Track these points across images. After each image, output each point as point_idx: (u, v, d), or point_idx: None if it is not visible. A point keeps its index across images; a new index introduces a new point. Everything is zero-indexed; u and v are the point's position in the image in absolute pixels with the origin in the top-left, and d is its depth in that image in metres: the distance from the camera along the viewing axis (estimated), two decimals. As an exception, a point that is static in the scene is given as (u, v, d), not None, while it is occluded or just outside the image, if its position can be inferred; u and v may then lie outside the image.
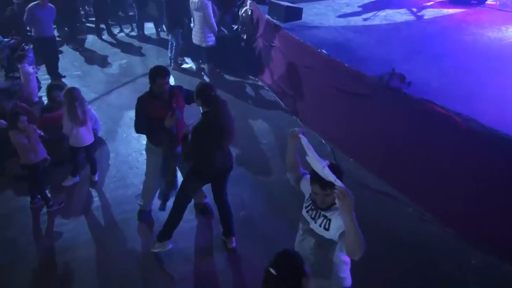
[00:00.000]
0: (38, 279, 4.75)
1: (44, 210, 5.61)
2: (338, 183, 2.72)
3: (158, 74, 4.64)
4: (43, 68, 9.04)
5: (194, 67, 9.96)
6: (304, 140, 3.14)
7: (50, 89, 6.88)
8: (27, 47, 8.78)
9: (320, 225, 3.03)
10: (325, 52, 6.71)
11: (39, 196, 5.56)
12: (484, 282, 4.62)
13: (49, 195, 5.65)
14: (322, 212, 3.03)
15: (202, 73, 9.55)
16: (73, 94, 5.55)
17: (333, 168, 2.83)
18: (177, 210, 4.75)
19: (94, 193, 6.02)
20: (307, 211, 3.20)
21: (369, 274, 4.42)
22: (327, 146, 6.84)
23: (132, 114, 5.06)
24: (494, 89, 5.85)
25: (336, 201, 2.74)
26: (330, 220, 2.97)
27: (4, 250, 5.06)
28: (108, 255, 5.02)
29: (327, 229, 2.97)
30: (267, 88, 8.77)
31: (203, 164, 4.59)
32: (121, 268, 4.83)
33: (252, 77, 9.28)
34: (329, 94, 6.82)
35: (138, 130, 4.87)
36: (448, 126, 5.08)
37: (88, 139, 5.86)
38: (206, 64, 9.57)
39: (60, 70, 9.41)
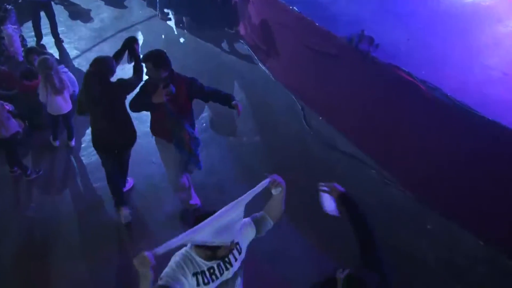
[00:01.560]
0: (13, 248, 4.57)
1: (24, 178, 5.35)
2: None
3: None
4: (29, 25, 8.29)
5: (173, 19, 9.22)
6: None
7: (28, 52, 6.40)
8: (9, 7, 8.02)
9: (234, 262, 2.53)
10: (296, 9, 6.10)
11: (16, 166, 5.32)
12: (437, 245, 4.44)
13: (27, 163, 5.37)
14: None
15: (181, 25, 8.83)
16: (47, 64, 5.14)
17: None
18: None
19: (72, 159, 5.70)
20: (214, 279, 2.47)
21: (325, 235, 4.35)
22: (297, 103, 6.43)
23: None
24: (460, 52, 5.27)
25: (274, 191, 2.66)
26: (238, 244, 2.55)
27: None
28: (87, 223, 4.80)
29: (240, 253, 2.55)
30: (242, 42, 8.12)
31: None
32: (102, 236, 4.63)
33: (229, 30, 8.50)
34: (300, 52, 6.31)
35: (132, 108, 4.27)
36: (413, 93, 4.68)
37: (65, 107, 5.49)
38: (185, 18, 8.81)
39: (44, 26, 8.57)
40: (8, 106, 4.94)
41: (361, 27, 5.32)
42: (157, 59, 4.01)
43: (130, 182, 5.13)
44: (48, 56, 5.44)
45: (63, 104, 5.49)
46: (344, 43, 5.39)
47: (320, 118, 6.08)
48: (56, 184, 5.35)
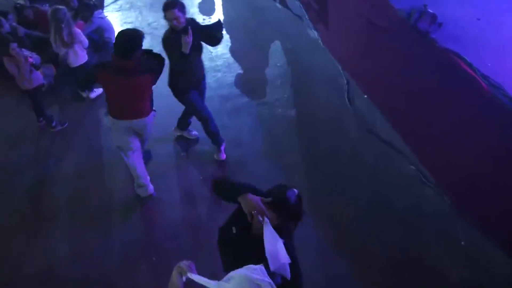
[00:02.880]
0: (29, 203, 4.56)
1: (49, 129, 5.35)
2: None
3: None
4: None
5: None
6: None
7: None
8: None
9: None
10: (355, -31, 5.38)
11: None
12: (468, 265, 3.81)
13: (54, 113, 5.36)
14: None
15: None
16: (57, 15, 4.96)
17: None
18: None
19: (98, 113, 5.60)
20: None
21: (351, 234, 3.99)
22: (343, 76, 5.82)
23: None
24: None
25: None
26: None
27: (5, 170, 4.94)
28: (104, 184, 4.68)
29: None
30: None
31: None
32: (120, 198, 4.51)
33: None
34: (353, 19, 5.58)
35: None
36: (471, 87, 3.95)
37: (74, 60, 5.35)
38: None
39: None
40: (33, 59, 4.81)
41: (424, 0, 4.64)
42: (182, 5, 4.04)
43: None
44: (60, 7, 5.19)
45: (72, 57, 5.37)
46: (401, 17, 4.68)
47: (365, 96, 5.47)
48: (78, 138, 5.25)
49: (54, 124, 5.22)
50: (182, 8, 4.02)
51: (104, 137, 5.24)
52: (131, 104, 3.95)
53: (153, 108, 4.13)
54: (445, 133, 4.40)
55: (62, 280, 3.79)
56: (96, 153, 5.05)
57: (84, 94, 5.75)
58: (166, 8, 4.00)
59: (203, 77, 4.59)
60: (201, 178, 4.71)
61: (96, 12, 6.08)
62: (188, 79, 4.37)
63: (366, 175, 4.56)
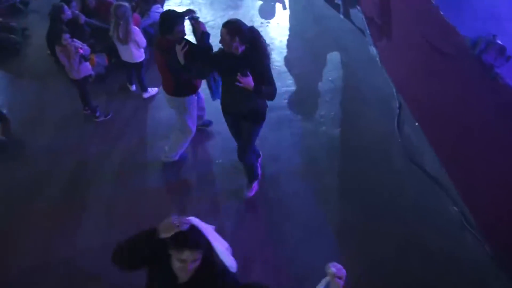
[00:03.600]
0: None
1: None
2: None
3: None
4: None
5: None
6: None
7: None
8: None
9: None
10: (424, -12, 5.04)
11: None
12: None
13: (100, 103, 5.49)
14: None
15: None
16: (117, 12, 5.00)
17: None
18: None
19: (142, 108, 5.67)
20: None
21: (376, 270, 3.71)
22: (396, 100, 5.46)
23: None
24: None
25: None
26: None
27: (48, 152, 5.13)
28: (142, 172, 4.76)
29: None
30: (359, 8, 7.01)
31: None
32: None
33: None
34: (415, 40, 5.18)
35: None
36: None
37: (127, 57, 5.42)
38: None
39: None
40: (83, 50, 4.92)
41: (495, 27, 4.17)
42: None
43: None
44: (122, 4, 5.19)
45: (124, 53, 5.45)
46: (465, 46, 4.34)
47: (416, 124, 5.10)
48: (119, 131, 5.32)
49: (98, 114, 5.35)
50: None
51: (145, 132, 5.32)
52: (163, 79, 4.42)
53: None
54: (497, 177, 4.01)
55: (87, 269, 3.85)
56: (133, 147, 5.09)
57: (131, 88, 5.87)
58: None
59: None
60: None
61: (154, 7, 6.17)
62: None
63: (404, 208, 4.26)
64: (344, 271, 2.24)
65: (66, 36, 4.76)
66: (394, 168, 4.72)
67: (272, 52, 6.66)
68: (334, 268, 2.22)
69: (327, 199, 4.39)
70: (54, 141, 5.28)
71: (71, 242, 4.07)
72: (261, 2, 8.33)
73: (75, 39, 4.95)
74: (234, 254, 2.55)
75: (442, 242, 3.97)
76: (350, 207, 4.31)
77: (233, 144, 4.34)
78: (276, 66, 6.33)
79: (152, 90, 5.84)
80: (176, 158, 4.80)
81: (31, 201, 4.48)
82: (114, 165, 4.88)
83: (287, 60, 6.51)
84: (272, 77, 3.81)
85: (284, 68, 6.28)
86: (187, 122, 4.54)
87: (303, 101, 5.70)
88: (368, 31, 6.58)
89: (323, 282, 2.29)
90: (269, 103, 5.59)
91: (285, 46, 6.85)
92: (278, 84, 5.73)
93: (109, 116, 5.40)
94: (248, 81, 3.51)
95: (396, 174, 4.64)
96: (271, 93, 3.83)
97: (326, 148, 4.98)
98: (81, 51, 4.84)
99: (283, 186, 4.58)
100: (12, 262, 3.90)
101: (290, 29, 7.30)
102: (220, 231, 4.07)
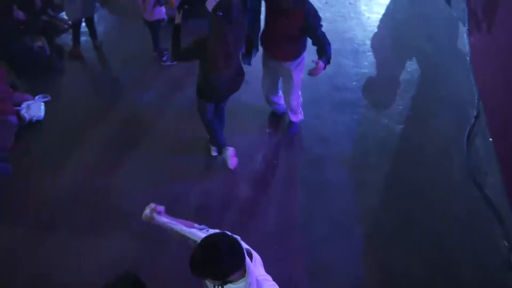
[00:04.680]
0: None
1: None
2: None
3: None
4: None
5: None
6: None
7: None
8: None
9: None
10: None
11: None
12: None
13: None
14: None
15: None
16: None
17: None
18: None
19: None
20: None
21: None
22: (475, 108, 4.90)
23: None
24: None
25: None
26: None
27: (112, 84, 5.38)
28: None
29: None
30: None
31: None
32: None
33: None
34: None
35: None
36: None
37: (149, 17, 5.20)
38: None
39: None
40: None
41: None
42: None
43: None
44: None
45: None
46: None
47: (490, 139, 4.56)
48: (181, 79, 5.32)
49: (164, 58, 5.42)
50: None
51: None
52: (282, 48, 4.12)
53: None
54: None
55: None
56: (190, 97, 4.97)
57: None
58: None
59: None
60: (275, 162, 4.56)
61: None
62: None
63: (445, 228, 3.90)
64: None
65: None
66: (449, 181, 4.30)
67: (356, 28, 6.28)
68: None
69: (366, 197, 4.15)
70: (120, 75, 5.54)
71: (112, 176, 4.30)
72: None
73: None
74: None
75: (479, 278, 3.58)
76: (387, 211, 4.05)
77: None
78: (356, 44, 5.95)
79: None
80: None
81: (89, 126, 4.79)
82: (168, 112, 4.96)
83: (369, 40, 6.06)
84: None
85: (363, 48, 5.86)
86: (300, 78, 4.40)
87: (373, 87, 5.32)
88: (466, 25, 5.94)
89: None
90: (337, 82, 5.43)
91: (371, 24, 6.36)
92: (352, 63, 5.54)
93: (174, 63, 5.34)
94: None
95: (449, 188, 4.23)
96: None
97: (381, 143, 4.65)
98: None
99: (325, 172, 4.39)
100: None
101: (381, 7, 6.77)
102: (249, 200, 4.21)
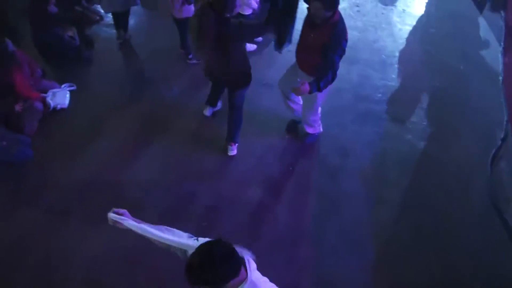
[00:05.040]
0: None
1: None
2: None
3: None
4: None
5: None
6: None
7: None
8: None
9: None
10: None
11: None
12: None
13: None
14: None
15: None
16: None
17: None
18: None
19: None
20: None
21: None
22: (503, 130, 4.74)
23: None
24: None
25: None
26: None
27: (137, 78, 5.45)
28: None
29: None
30: (501, 13, 6.17)
31: None
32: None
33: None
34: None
35: None
36: None
37: (178, 14, 5.21)
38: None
39: None
40: None
41: None
42: None
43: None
44: None
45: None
46: None
47: (516, 165, 4.47)
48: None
49: (190, 56, 5.45)
50: None
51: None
52: (308, 60, 4.09)
53: None
54: None
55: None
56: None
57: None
58: None
59: None
60: (291, 168, 4.49)
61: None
62: None
63: (461, 251, 3.78)
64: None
65: None
66: (468, 203, 4.18)
67: (386, 39, 6.18)
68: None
69: (380, 213, 4.07)
70: (145, 69, 5.64)
71: (127, 169, 4.34)
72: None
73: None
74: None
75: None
76: (401, 229, 3.95)
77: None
78: (385, 55, 5.87)
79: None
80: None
81: (110, 118, 4.87)
82: (189, 109, 4.97)
83: (398, 52, 5.97)
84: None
85: (392, 60, 5.78)
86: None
87: (398, 100, 5.22)
88: (502, 44, 5.77)
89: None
90: (361, 92, 5.35)
91: (402, 36, 6.27)
92: (379, 75, 5.44)
93: (199, 61, 5.36)
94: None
95: (467, 211, 4.11)
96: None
97: (402, 158, 4.56)
98: None
99: (341, 183, 4.32)
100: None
101: (414, 19, 6.66)
102: (261, 204, 4.19)
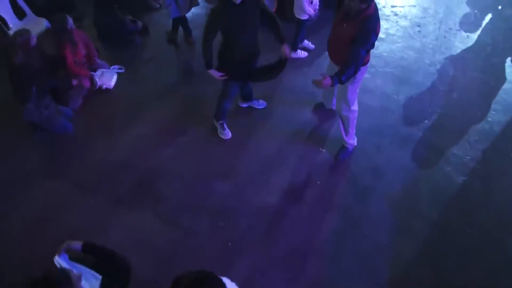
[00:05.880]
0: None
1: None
2: None
3: None
4: None
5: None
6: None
7: None
8: None
9: None
10: None
11: None
12: None
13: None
14: None
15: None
16: None
17: None
18: None
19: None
20: None
21: None
22: None
23: None
24: None
25: None
26: None
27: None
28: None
29: None
30: None
31: None
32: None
33: None
34: None
35: None
36: None
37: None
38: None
39: None
40: None
41: None
42: None
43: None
44: None
45: None
46: None
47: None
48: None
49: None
50: None
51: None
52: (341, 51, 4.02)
53: None
54: None
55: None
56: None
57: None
58: None
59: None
60: (318, 182, 4.37)
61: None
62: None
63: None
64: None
65: None
66: (503, 253, 3.83)
67: (444, 64, 5.87)
68: None
69: (403, 243, 3.85)
70: (194, 63, 5.69)
71: (157, 157, 4.48)
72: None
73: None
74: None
75: None
76: (422, 265, 3.71)
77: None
78: (438, 80, 5.52)
79: (300, 54, 5.74)
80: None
81: (150, 105, 5.03)
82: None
83: (455, 79, 5.63)
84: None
85: (445, 86, 5.44)
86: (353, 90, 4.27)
87: (444, 129, 4.90)
88: None
89: None
90: (406, 115, 5.14)
91: (462, 62, 5.89)
92: (429, 100, 5.24)
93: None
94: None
95: (499, 263, 3.75)
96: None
97: (436, 190, 4.28)
98: None
99: (368, 205, 4.14)
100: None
101: (480, 46, 6.26)
102: (281, 212, 4.11)
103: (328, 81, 3.58)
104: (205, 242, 3.79)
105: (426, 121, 4.99)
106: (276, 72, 4.32)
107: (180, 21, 5.76)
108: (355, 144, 4.56)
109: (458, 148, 4.68)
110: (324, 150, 4.64)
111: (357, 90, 4.18)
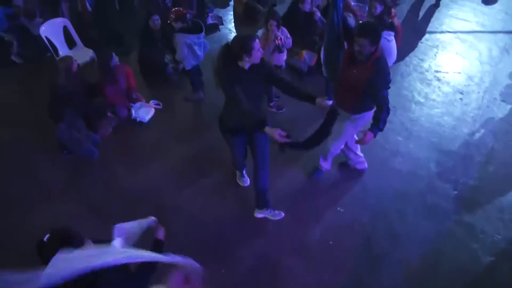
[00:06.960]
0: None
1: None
2: None
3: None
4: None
5: None
6: None
7: None
8: None
9: None
10: None
11: None
12: None
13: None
14: None
15: None
16: None
17: None
18: None
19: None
20: None
21: None
22: None
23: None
24: None
25: None
26: None
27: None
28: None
29: None
30: None
31: None
32: None
33: None
34: None
35: None
36: None
37: None
38: None
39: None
40: (281, 41, 4.90)
41: None
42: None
43: None
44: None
45: None
46: None
47: None
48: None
49: (272, 104, 5.49)
50: None
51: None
52: (348, 98, 4.12)
53: None
54: None
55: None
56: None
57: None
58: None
59: None
60: (331, 243, 4.14)
61: (384, 33, 5.81)
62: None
63: None
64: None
65: (273, 22, 4.81)
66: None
67: (484, 135, 5.57)
68: None
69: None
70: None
71: (174, 194, 4.50)
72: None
73: (284, 29, 5.02)
74: None
75: None
76: None
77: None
78: (476, 151, 5.22)
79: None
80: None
81: (177, 144, 5.11)
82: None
83: (494, 151, 5.28)
84: None
85: (482, 158, 5.13)
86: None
87: (475, 204, 4.57)
88: None
89: None
90: (436, 184, 4.89)
91: (505, 136, 5.54)
92: (461, 171, 5.04)
93: (281, 111, 5.49)
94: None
95: None
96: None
97: (459, 268, 3.94)
98: (279, 41, 4.86)
99: (382, 271, 3.89)
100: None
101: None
102: (290, 269, 3.93)
103: (370, 136, 3.61)
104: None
105: (456, 192, 4.69)
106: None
107: (196, 71, 5.71)
108: (366, 167, 4.87)
109: (489, 225, 4.34)
110: (341, 210, 4.46)
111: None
